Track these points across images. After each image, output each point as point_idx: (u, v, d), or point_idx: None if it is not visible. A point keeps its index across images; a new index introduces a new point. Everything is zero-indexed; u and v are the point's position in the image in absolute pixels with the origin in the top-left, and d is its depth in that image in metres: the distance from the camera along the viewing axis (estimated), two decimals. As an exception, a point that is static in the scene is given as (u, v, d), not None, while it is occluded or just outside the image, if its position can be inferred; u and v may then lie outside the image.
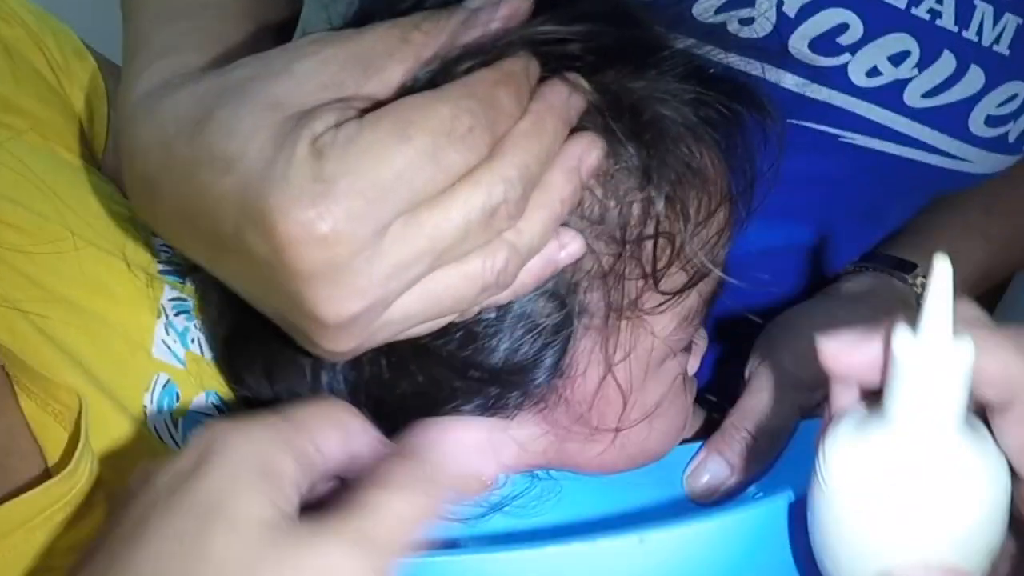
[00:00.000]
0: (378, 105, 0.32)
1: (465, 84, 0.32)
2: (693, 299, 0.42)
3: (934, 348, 0.28)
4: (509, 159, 0.32)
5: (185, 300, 0.48)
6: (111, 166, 0.53)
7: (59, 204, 0.45)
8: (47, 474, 0.40)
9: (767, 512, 0.33)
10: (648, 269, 0.38)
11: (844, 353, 0.31)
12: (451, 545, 0.38)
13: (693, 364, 0.47)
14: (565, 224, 0.36)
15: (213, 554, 0.28)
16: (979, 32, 0.54)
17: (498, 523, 0.42)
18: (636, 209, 0.38)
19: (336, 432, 0.32)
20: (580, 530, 0.36)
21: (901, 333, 0.29)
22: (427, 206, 0.31)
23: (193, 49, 0.40)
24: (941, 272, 0.28)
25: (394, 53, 0.34)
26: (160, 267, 0.49)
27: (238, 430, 0.31)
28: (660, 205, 0.38)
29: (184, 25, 0.42)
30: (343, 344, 0.34)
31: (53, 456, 0.41)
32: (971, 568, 0.29)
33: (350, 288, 0.31)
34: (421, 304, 0.33)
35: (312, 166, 0.31)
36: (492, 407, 0.40)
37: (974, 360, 0.28)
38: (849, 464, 0.30)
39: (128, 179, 0.38)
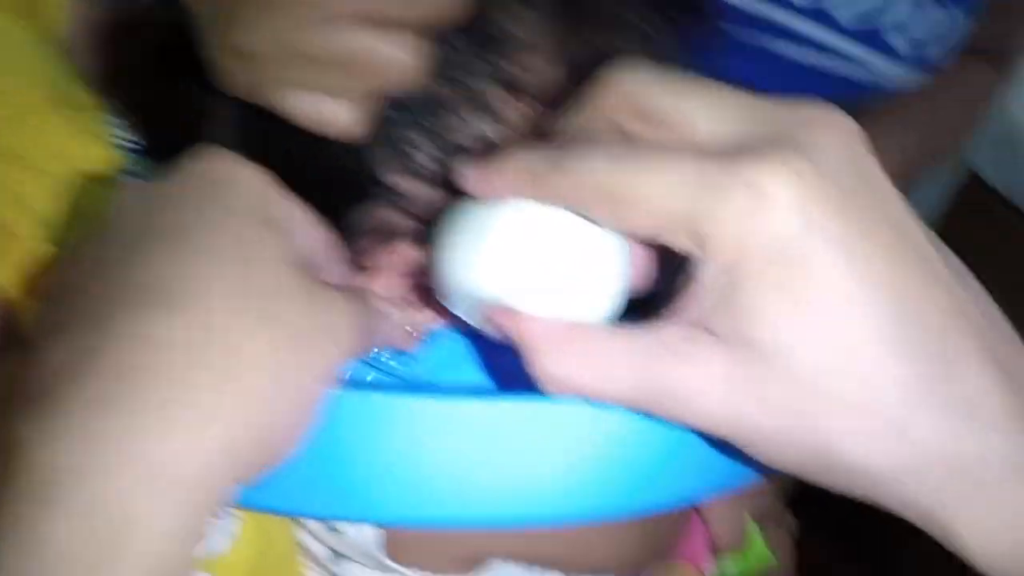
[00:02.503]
0: None
1: None
2: None
3: None
4: None
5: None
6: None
7: (25, 72, 0.46)
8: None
9: None
10: None
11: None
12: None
13: None
14: None
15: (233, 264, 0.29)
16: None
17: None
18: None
19: (310, 220, 0.34)
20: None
21: None
22: None
23: None
24: None
25: None
26: (118, 142, 0.50)
27: (240, 158, 0.32)
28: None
29: None
30: (248, 37, 0.33)
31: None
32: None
33: None
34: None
35: None
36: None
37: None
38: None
39: None
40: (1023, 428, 0.27)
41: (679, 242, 0.28)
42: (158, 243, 0.30)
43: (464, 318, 0.35)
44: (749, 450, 0.29)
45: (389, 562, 0.47)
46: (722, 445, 0.30)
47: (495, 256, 0.32)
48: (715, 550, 0.57)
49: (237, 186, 0.31)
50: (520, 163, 0.31)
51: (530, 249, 0.31)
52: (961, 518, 0.27)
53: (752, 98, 0.29)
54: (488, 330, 0.34)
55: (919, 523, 0.28)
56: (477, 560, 0.47)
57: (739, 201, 0.26)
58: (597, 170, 0.29)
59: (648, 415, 0.30)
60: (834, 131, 0.28)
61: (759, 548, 0.60)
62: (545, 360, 0.30)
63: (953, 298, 0.28)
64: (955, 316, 0.28)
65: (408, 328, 0.41)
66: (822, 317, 0.26)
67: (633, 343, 0.29)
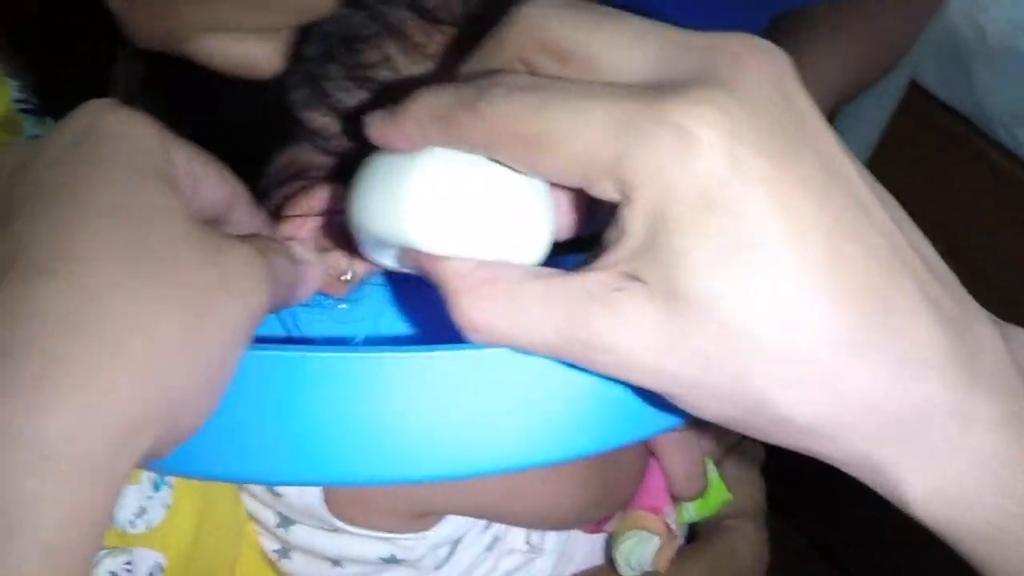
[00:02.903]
0: None
1: None
2: None
3: None
4: None
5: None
6: None
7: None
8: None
9: None
10: None
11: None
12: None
13: None
14: None
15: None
16: None
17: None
18: None
19: (214, 171, 0.32)
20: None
21: None
22: None
23: None
24: None
25: None
26: (17, 107, 0.48)
27: (124, 108, 0.29)
28: None
29: None
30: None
31: None
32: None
33: None
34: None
35: None
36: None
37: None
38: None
39: None
40: (965, 377, 0.26)
41: (603, 189, 0.26)
42: (38, 205, 0.27)
43: (384, 264, 0.33)
44: (678, 403, 0.27)
45: (338, 523, 0.45)
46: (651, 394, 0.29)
47: (412, 204, 0.29)
48: (675, 498, 0.57)
49: (126, 139, 0.29)
50: (428, 107, 0.28)
51: (448, 196, 0.29)
52: (901, 469, 0.26)
53: (671, 31, 0.27)
54: (408, 272, 0.32)
55: (859, 475, 0.27)
56: (425, 516, 0.46)
57: (664, 144, 0.25)
58: (512, 114, 0.27)
59: (573, 365, 0.28)
60: (761, 65, 0.26)
61: (718, 489, 0.59)
62: (465, 304, 0.28)
63: (891, 243, 0.26)
64: (893, 263, 0.26)
65: (335, 274, 0.40)
66: (752, 264, 0.25)
67: (557, 288, 0.27)
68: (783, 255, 0.25)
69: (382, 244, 0.32)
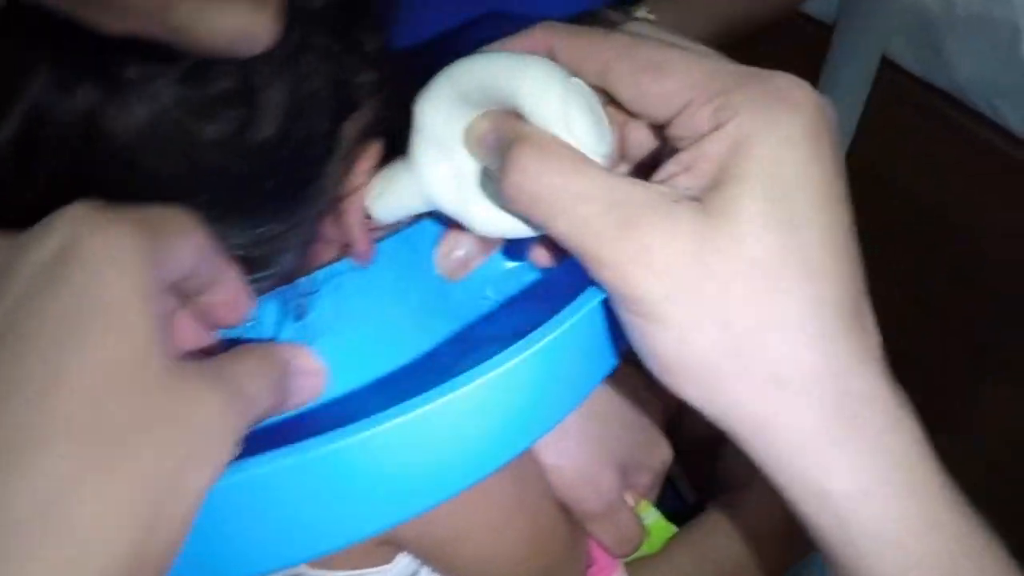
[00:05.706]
0: None
1: None
2: None
3: None
4: None
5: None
6: None
7: None
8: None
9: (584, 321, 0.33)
10: None
11: None
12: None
13: None
14: None
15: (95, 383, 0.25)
16: None
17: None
18: None
19: (188, 242, 0.29)
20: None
21: None
22: None
23: None
24: None
25: None
26: None
27: (105, 227, 0.27)
28: None
29: None
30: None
31: None
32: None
33: None
34: None
35: None
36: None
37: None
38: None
39: None
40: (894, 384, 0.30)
41: (699, 115, 0.30)
42: (5, 363, 0.25)
43: (447, 134, 0.35)
44: (652, 323, 0.29)
45: (311, 572, 0.45)
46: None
47: (527, 73, 0.32)
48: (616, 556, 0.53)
49: (102, 276, 0.26)
50: (555, 26, 0.33)
51: (558, 85, 0.32)
52: (834, 457, 0.29)
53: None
54: (477, 151, 0.35)
55: (785, 461, 0.29)
56: (384, 545, 0.46)
57: (775, 89, 0.30)
58: (640, 43, 0.32)
59: (581, 274, 0.30)
60: (812, 95, 0.31)
61: (659, 529, 0.55)
62: (524, 158, 0.30)
63: (862, 278, 0.31)
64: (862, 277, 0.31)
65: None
66: (798, 213, 0.29)
67: (618, 181, 0.30)
68: (816, 219, 0.29)
69: (467, 111, 0.35)
